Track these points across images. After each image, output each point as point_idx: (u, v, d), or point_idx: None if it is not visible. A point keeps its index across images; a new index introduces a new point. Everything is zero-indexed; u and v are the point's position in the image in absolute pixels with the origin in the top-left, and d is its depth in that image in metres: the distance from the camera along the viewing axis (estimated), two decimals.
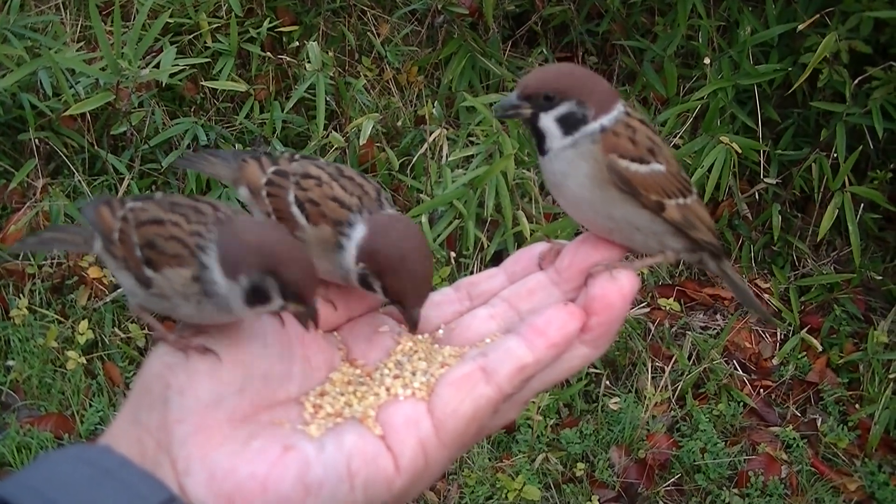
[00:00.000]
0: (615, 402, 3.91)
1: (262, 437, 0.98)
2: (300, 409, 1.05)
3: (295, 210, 1.19)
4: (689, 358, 4.15)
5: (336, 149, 4.04)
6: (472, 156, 3.98)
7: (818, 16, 4.13)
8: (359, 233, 1.16)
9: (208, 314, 1.06)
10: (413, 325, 1.15)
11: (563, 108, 1.17)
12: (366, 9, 4.84)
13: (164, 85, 4.17)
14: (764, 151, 4.41)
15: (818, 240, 4.41)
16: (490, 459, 3.72)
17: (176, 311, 1.09)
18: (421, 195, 4.05)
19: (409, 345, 1.14)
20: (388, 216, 1.18)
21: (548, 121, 1.18)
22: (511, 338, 1.05)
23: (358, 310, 1.20)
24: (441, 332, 1.17)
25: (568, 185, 1.19)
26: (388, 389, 1.06)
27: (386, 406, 1.03)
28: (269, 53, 4.48)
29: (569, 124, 1.17)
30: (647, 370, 4.02)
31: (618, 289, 1.09)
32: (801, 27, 4.13)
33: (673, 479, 3.82)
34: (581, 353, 1.09)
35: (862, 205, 4.32)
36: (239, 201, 1.46)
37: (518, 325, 1.09)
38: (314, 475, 0.95)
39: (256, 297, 1.05)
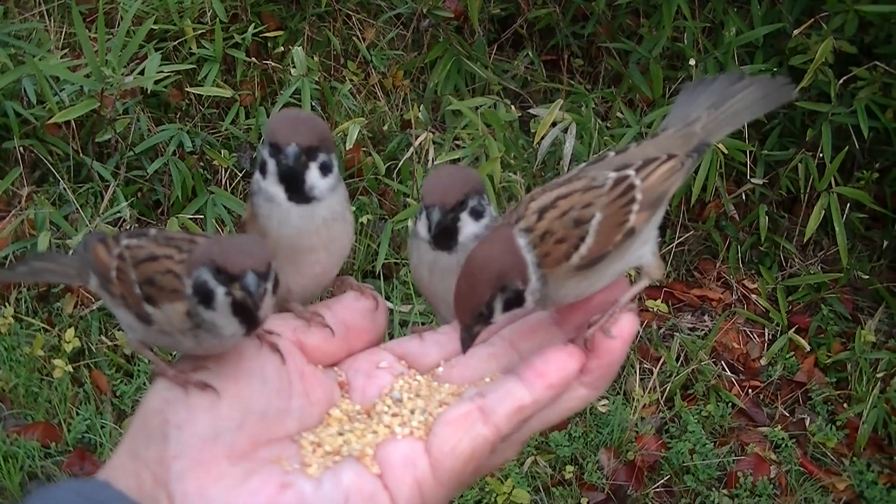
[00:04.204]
0: (603, 405, 3.91)
1: (259, 474, 0.98)
2: (298, 447, 1.05)
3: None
4: (678, 359, 4.15)
5: None
6: (459, 159, 3.98)
7: (812, 20, 4.13)
8: None
9: (207, 344, 1.06)
10: None
11: (499, 303, 1.11)
12: (351, 13, 4.85)
13: (149, 91, 4.16)
14: (750, 152, 4.41)
15: (805, 240, 4.42)
16: None
17: (179, 346, 1.09)
18: (407, 199, 4.05)
19: (409, 382, 1.14)
20: None
21: (500, 318, 1.12)
22: (510, 378, 1.05)
23: (358, 345, 1.19)
24: (441, 369, 1.17)
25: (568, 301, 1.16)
26: (386, 427, 1.06)
27: (384, 444, 1.03)
28: (254, 59, 4.47)
29: (513, 303, 1.11)
30: (636, 372, 4.03)
31: (618, 331, 1.09)
32: (796, 32, 4.14)
33: (662, 481, 3.82)
34: (580, 394, 1.09)
35: (848, 204, 4.33)
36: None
37: (518, 364, 1.08)
38: None
39: (202, 294, 1.04)
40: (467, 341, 1.11)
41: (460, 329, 1.11)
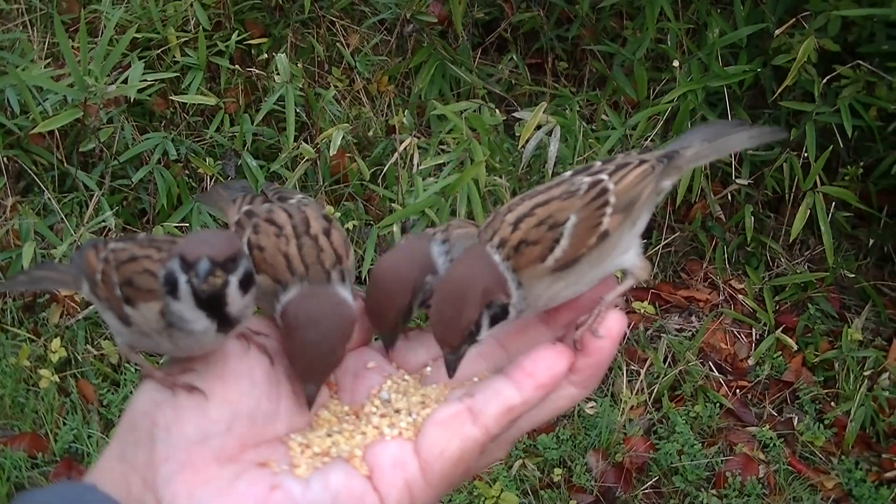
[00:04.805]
0: (591, 407, 3.91)
1: (248, 476, 0.98)
2: (287, 448, 1.05)
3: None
4: (665, 360, 4.15)
5: (307, 160, 4.03)
6: (444, 164, 3.97)
7: (794, 19, 4.14)
8: (288, 296, 1.15)
9: (183, 344, 1.06)
10: (308, 403, 1.10)
11: (486, 319, 1.10)
12: (335, 20, 4.84)
13: (132, 100, 4.15)
14: (735, 152, 4.41)
15: (791, 239, 4.42)
16: None
17: (159, 348, 1.09)
18: (393, 205, 4.04)
19: (397, 382, 1.14)
20: (321, 290, 1.15)
21: (485, 334, 1.11)
22: (498, 378, 1.04)
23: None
24: (429, 369, 1.17)
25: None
26: (375, 428, 1.06)
27: (373, 446, 1.03)
28: (238, 66, 4.47)
29: (499, 318, 1.11)
30: (623, 374, 4.03)
31: (606, 330, 1.08)
32: (778, 31, 4.15)
33: (651, 482, 3.82)
34: (569, 393, 1.08)
35: (833, 203, 4.33)
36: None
37: (506, 364, 1.08)
38: None
39: (170, 285, 1.04)
40: (454, 363, 1.10)
41: (445, 352, 1.10)
